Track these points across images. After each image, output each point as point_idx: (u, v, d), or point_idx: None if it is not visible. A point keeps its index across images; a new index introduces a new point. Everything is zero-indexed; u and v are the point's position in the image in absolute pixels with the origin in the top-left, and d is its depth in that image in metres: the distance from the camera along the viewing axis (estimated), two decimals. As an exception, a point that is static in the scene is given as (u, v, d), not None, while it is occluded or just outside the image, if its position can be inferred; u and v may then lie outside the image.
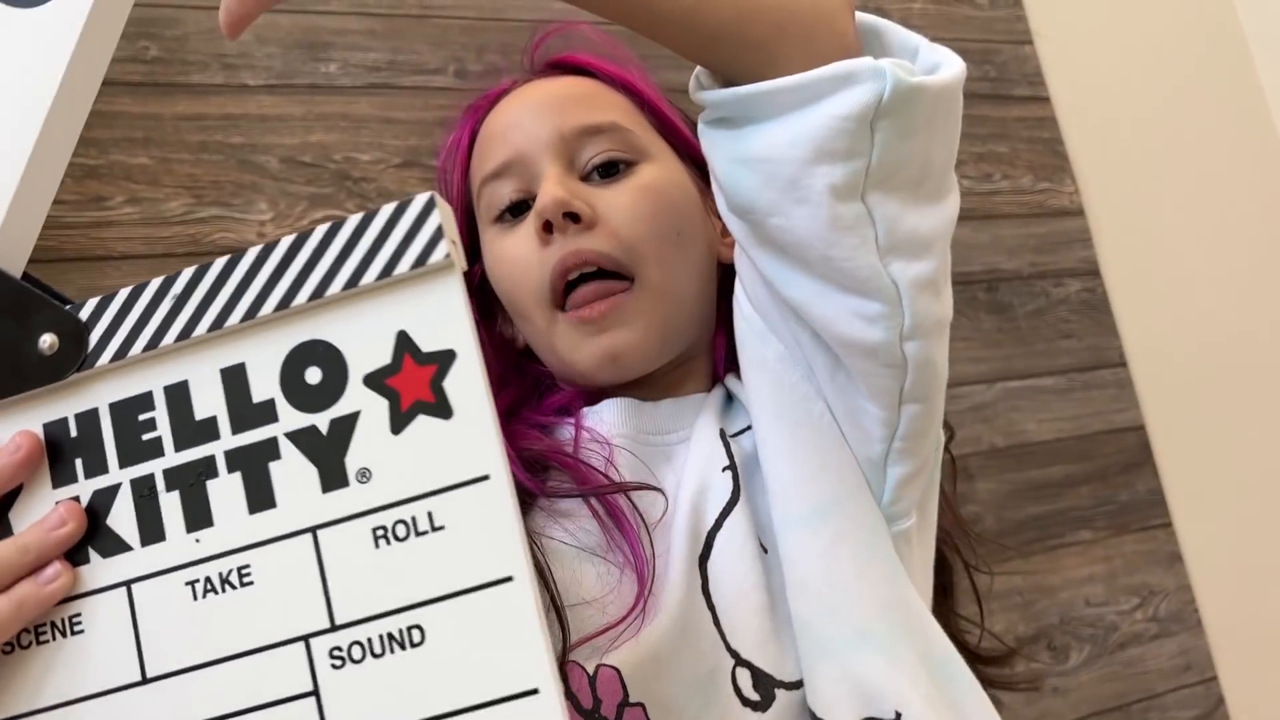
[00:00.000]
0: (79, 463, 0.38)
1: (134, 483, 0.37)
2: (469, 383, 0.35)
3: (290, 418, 0.37)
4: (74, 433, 0.38)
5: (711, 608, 0.52)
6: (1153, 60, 1.28)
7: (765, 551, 0.54)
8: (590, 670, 0.50)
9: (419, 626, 0.35)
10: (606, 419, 0.59)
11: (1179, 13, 1.31)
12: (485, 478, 0.35)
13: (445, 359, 0.36)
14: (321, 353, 0.37)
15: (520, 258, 0.60)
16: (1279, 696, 1.12)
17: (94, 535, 0.37)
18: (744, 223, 0.50)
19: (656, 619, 0.51)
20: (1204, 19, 1.33)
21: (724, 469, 0.56)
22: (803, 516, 0.52)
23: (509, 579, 0.34)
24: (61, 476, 0.38)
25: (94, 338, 0.38)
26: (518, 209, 0.61)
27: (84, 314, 0.38)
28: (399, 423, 0.36)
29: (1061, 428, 1.10)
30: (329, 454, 0.36)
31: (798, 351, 0.54)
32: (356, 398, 0.36)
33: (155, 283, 0.38)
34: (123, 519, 0.37)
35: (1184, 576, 1.12)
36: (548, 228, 0.57)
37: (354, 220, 0.36)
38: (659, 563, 0.53)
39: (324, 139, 0.88)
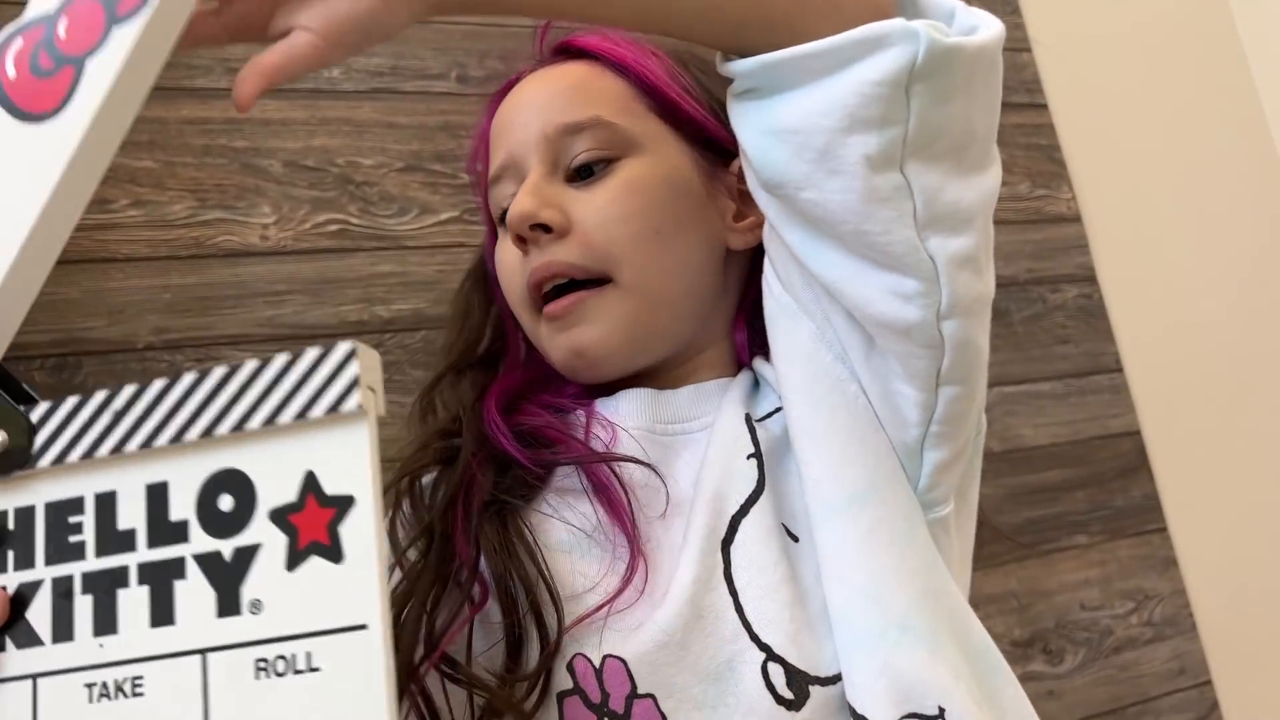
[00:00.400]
0: (10, 554, 0.39)
1: (55, 580, 0.39)
2: (363, 531, 0.36)
3: (200, 540, 0.38)
4: (10, 525, 0.39)
5: (734, 594, 0.50)
6: (1150, 68, 1.29)
7: (796, 540, 0.52)
8: (596, 662, 0.49)
9: None
10: (622, 410, 0.58)
11: (1177, 21, 1.32)
12: (364, 626, 0.36)
13: (345, 504, 0.37)
14: (236, 482, 0.38)
15: (506, 264, 0.61)
16: (1273, 701, 1.13)
17: (11, 626, 0.39)
18: (775, 198, 0.49)
19: (666, 606, 0.49)
20: (1202, 28, 1.33)
21: (749, 456, 0.54)
22: (840, 504, 0.51)
23: None
24: None
25: (39, 439, 0.39)
26: None
27: (34, 415, 0.40)
28: (294, 560, 0.37)
29: (1057, 433, 1.10)
30: (228, 581, 0.38)
31: (830, 332, 0.52)
32: (260, 530, 0.37)
33: (99, 395, 0.39)
34: (40, 614, 0.39)
35: (1179, 581, 1.12)
36: (521, 239, 0.57)
37: (281, 359, 0.37)
38: (672, 551, 0.52)
39: (327, 143, 0.89)
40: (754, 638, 0.49)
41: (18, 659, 0.38)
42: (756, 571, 0.50)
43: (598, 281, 0.57)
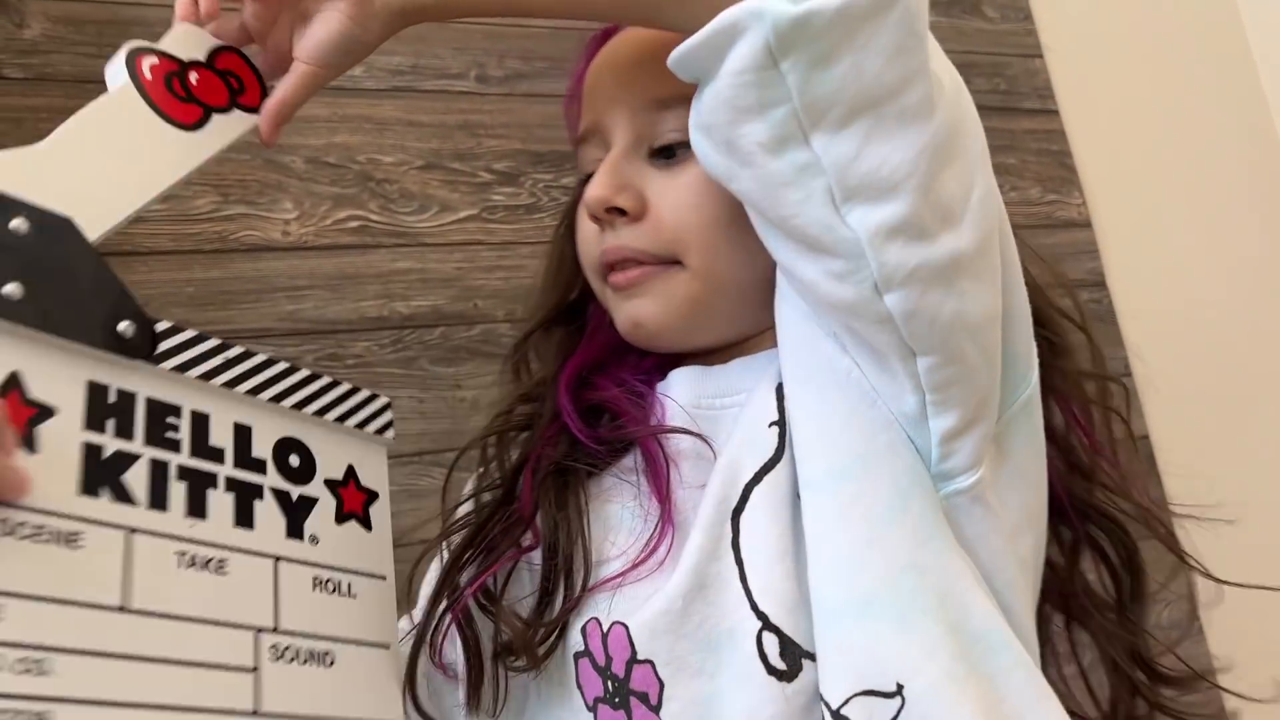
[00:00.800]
0: (111, 422, 0.43)
1: (153, 460, 0.44)
2: (382, 516, 0.53)
3: (275, 478, 0.48)
4: (112, 399, 0.43)
5: (740, 563, 0.49)
6: (1161, 75, 1.30)
7: None
8: (605, 627, 0.50)
9: (330, 652, 0.47)
10: (674, 387, 0.59)
11: (1186, 28, 1.33)
12: (384, 577, 0.52)
13: (373, 495, 0.53)
14: (303, 449, 0.50)
15: (583, 234, 0.61)
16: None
17: (109, 481, 0.42)
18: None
19: (674, 574, 0.50)
20: (1211, 34, 1.34)
21: (771, 424, 0.53)
22: (820, 478, 0.50)
23: (385, 645, 0.50)
24: (93, 424, 0.42)
25: (162, 345, 0.45)
26: None
27: (159, 326, 0.46)
28: (340, 518, 0.51)
29: (1067, 436, 1.11)
30: (295, 514, 0.48)
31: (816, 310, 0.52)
32: (318, 489, 0.50)
33: (216, 340, 0.48)
34: (137, 481, 0.43)
35: (1188, 584, 1.13)
36: (596, 218, 0.58)
37: (347, 386, 0.53)
38: (686, 521, 0.52)
39: (348, 140, 0.90)
40: (754, 606, 0.49)
41: (113, 510, 0.41)
42: (761, 539, 0.50)
43: (666, 261, 0.58)
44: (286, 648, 0.45)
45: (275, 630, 0.45)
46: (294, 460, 0.49)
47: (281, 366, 0.50)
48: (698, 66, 0.46)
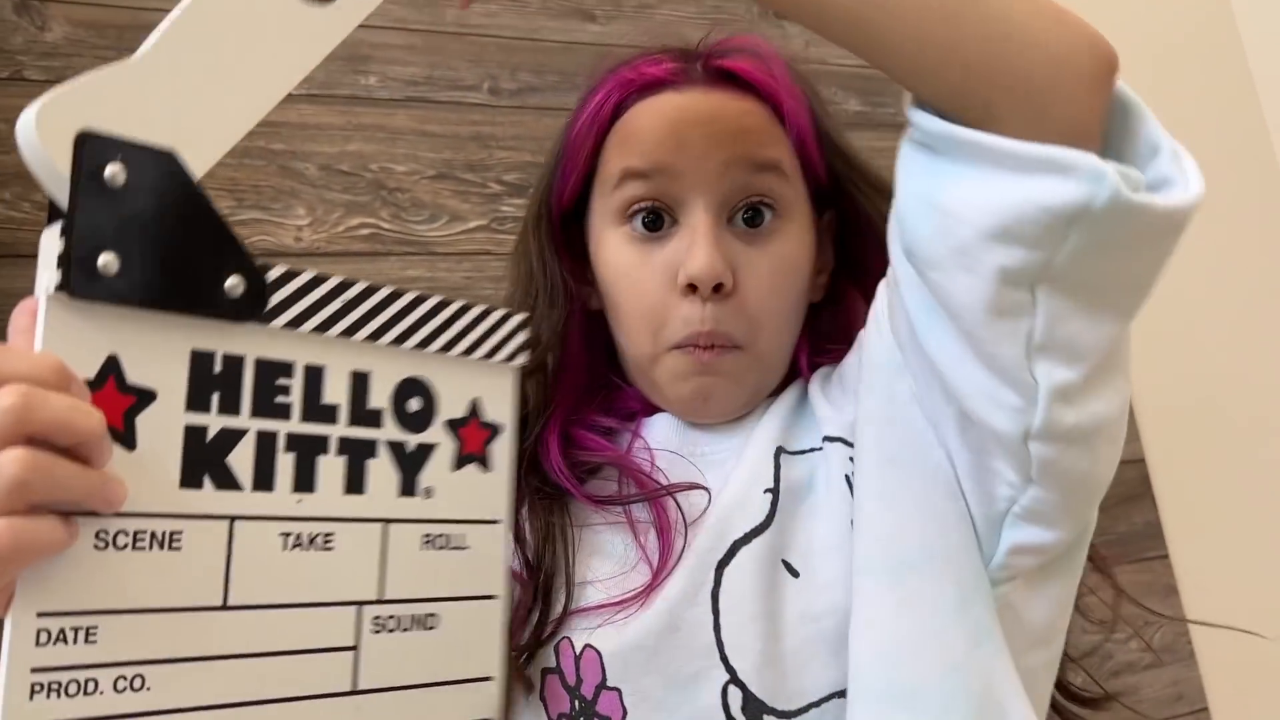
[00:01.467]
0: (216, 397, 0.40)
1: (260, 434, 0.41)
2: (505, 452, 0.49)
3: (391, 430, 0.45)
4: (218, 369, 0.40)
5: (716, 613, 0.51)
6: (1158, 91, 1.31)
7: (796, 575, 0.53)
8: (578, 648, 0.52)
9: (435, 615, 0.45)
10: (657, 433, 0.60)
11: (1184, 45, 1.34)
12: (497, 522, 0.48)
13: (496, 430, 0.49)
14: (424, 390, 0.46)
15: (650, 291, 0.58)
16: (1268, 730, 1.14)
17: (212, 467, 0.39)
18: (906, 260, 0.48)
19: (650, 611, 0.52)
20: (1209, 50, 1.35)
21: (766, 490, 0.55)
22: (888, 566, 0.49)
23: (494, 597, 0.48)
24: (197, 403, 0.39)
25: (274, 299, 0.41)
26: (654, 223, 0.59)
27: (270, 275, 0.41)
28: (458, 463, 0.47)
29: (1064, 458, 1.12)
30: (410, 468, 0.45)
31: (930, 397, 0.50)
32: (438, 433, 0.46)
33: (334, 280, 0.43)
34: (242, 461, 0.40)
35: (1179, 608, 1.13)
36: (692, 288, 0.56)
37: (480, 309, 0.48)
38: (670, 560, 0.54)
39: (361, 149, 0.91)
40: (724, 658, 0.51)
41: (215, 499, 0.39)
42: (741, 598, 0.51)
43: (740, 345, 0.58)
44: (389, 618, 0.44)
45: (378, 601, 0.43)
46: (414, 404, 0.46)
47: (406, 299, 0.45)
48: (977, 154, 0.42)
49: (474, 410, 0.48)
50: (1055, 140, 0.40)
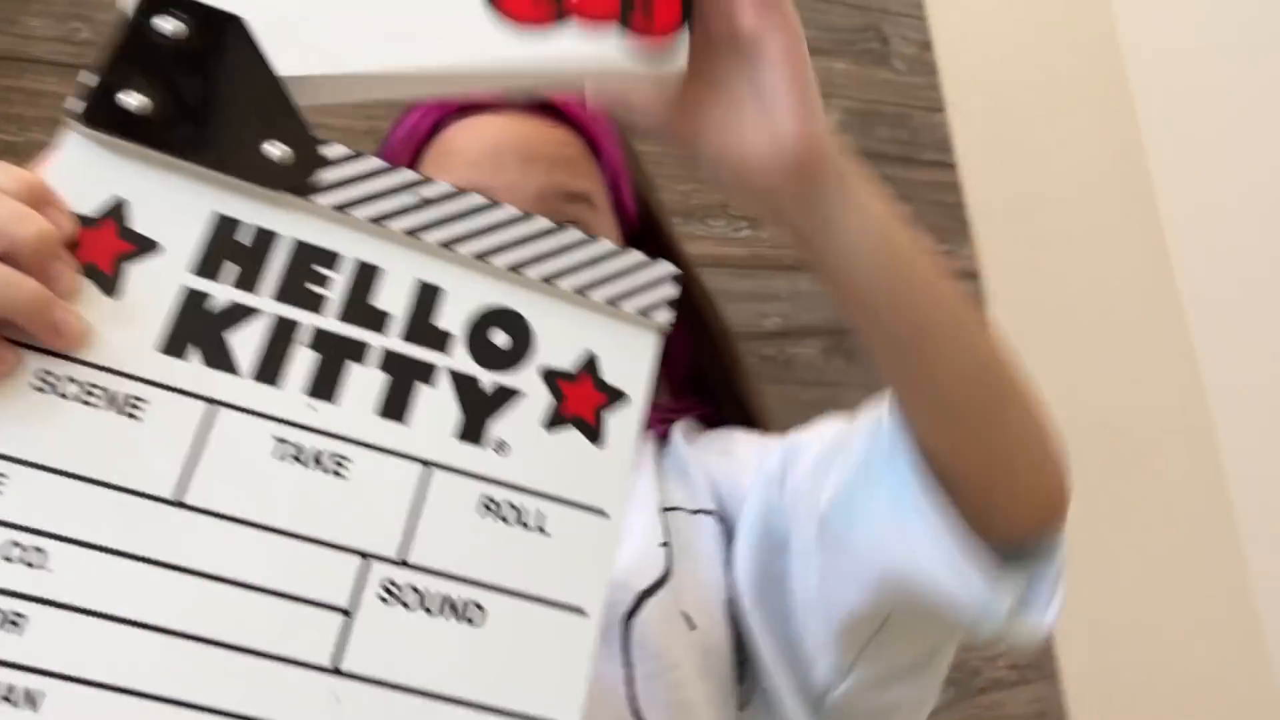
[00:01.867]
0: (232, 268, 0.35)
1: (279, 320, 0.35)
2: (627, 428, 0.38)
3: (460, 359, 0.36)
4: (245, 240, 0.35)
5: (629, 665, 0.51)
6: (1055, 138, 1.36)
7: (694, 628, 0.54)
8: None
9: (481, 606, 0.34)
10: None
11: (1081, 97, 1.40)
12: (604, 513, 0.36)
13: (618, 397, 0.38)
14: (517, 325, 0.37)
15: None
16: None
17: (204, 340, 0.34)
18: (765, 545, 0.55)
19: None
20: (1103, 104, 1.41)
21: (661, 544, 0.55)
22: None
23: (583, 612, 0.35)
24: (205, 268, 0.34)
25: (325, 177, 0.36)
26: None
27: (327, 151, 0.36)
28: (553, 422, 0.37)
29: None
30: (479, 410, 0.36)
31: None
32: (527, 380, 0.37)
33: (410, 173, 0.37)
34: (245, 344, 0.34)
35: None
36: None
37: (609, 244, 0.39)
38: None
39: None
40: (635, 711, 0.51)
41: (199, 376, 0.33)
42: (651, 651, 0.51)
43: None
44: (409, 588, 0.33)
45: (396, 562, 0.33)
46: (499, 339, 0.37)
47: (504, 214, 0.37)
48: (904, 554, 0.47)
49: (588, 367, 0.38)
50: (1012, 519, 0.47)
